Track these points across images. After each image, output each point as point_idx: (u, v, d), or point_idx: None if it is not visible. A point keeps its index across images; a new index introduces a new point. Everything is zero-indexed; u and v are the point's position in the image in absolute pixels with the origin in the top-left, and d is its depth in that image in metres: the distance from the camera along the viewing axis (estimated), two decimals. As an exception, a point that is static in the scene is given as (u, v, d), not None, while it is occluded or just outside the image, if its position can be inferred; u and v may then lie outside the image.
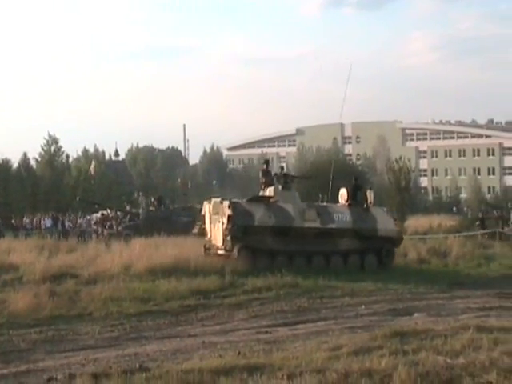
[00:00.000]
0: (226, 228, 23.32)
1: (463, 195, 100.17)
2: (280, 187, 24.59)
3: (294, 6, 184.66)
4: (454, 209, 75.63)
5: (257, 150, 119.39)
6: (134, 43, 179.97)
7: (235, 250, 23.31)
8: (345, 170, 77.51)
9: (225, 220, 23.45)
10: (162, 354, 12.40)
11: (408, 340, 11.96)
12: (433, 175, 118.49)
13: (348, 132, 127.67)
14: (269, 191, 24.52)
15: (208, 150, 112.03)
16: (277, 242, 23.65)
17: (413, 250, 28.76)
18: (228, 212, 23.35)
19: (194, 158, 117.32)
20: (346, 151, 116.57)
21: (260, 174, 25.76)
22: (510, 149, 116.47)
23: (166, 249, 24.90)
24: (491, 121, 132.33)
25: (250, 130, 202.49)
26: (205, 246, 24.79)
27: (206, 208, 25.09)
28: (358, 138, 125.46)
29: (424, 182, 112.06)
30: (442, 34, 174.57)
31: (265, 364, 10.53)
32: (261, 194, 25.03)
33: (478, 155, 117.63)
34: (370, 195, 25.73)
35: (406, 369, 9.65)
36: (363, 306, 17.98)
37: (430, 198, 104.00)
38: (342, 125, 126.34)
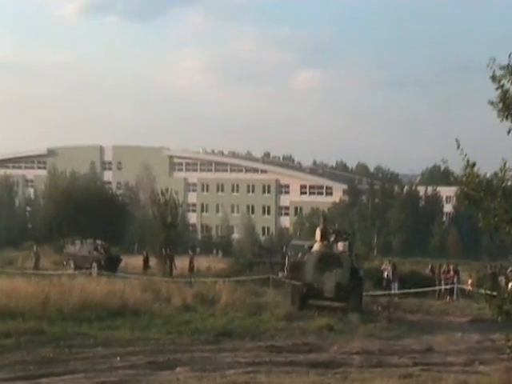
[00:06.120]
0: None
1: (235, 235, 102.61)
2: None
3: (47, 9, 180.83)
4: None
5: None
6: None
7: (353, 295, 30.76)
8: (103, 200, 77.15)
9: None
10: None
11: (169, 397, 12.08)
12: (203, 211, 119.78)
13: (108, 157, 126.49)
14: (343, 246, 31.78)
15: None
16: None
17: (178, 295, 29.07)
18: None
19: None
20: (106, 178, 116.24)
21: (321, 229, 32.23)
22: (287, 186, 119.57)
23: None
24: (267, 154, 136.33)
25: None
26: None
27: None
28: (119, 163, 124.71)
29: (193, 218, 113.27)
30: (216, 56, 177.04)
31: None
32: (316, 245, 31.85)
33: (253, 191, 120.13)
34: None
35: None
36: (118, 358, 17.98)
37: (199, 236, 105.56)
38: (101, 148, 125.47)
